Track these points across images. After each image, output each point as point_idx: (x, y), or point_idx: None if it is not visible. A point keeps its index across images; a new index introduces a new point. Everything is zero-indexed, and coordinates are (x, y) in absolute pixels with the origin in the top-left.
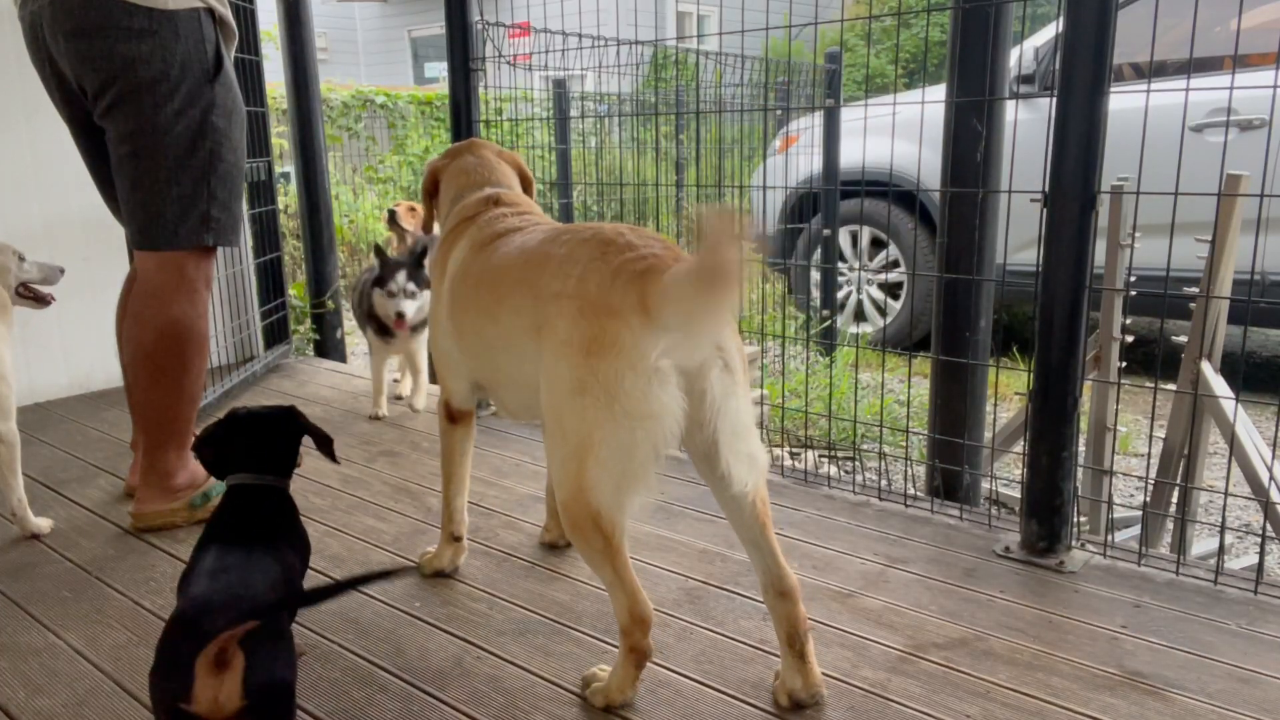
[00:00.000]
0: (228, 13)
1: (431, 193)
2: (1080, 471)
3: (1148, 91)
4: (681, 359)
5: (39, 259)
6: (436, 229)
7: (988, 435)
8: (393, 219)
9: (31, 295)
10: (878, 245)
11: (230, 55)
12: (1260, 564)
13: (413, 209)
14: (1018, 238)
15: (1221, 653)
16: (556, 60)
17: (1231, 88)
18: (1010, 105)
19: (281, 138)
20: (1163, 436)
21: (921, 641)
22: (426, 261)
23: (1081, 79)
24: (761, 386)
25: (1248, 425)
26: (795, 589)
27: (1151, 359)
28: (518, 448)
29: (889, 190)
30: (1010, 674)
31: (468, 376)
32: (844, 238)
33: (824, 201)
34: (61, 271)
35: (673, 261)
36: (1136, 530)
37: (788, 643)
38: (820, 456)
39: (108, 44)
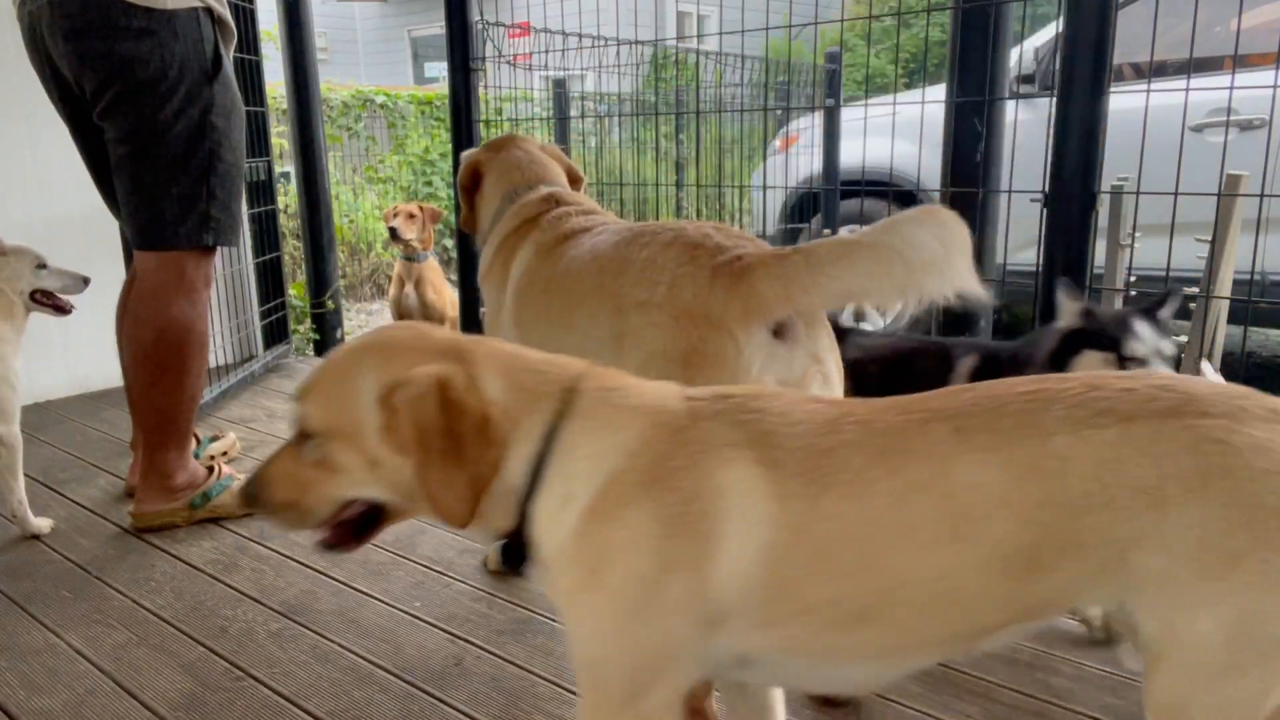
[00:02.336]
0: (226, 12)
1: (470, 188)
2: None
3: (1148, 91)
4: (781, 373)
5: (63, 266)
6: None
7: None
8: (394, 235)
9: (50, 303)
10: None
11: (229, 55)
12: None
13: (411, 215)
14: (1018, 238)
15: None
16: (556, 60)
17: (1231, 88)
18: (1010, 105)
19: (281, 138)
20: None
21: None
22: (481, 268)
23: (1081, 79)
24: None
25: None
26: None
27: None
28: None
29: (889, 190)
30: (1010, 674)
31: None
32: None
33: (824, 201)
34: (85, 281)
35: (767, 258)
36: None
37: None
38: None
39: (106, 44)
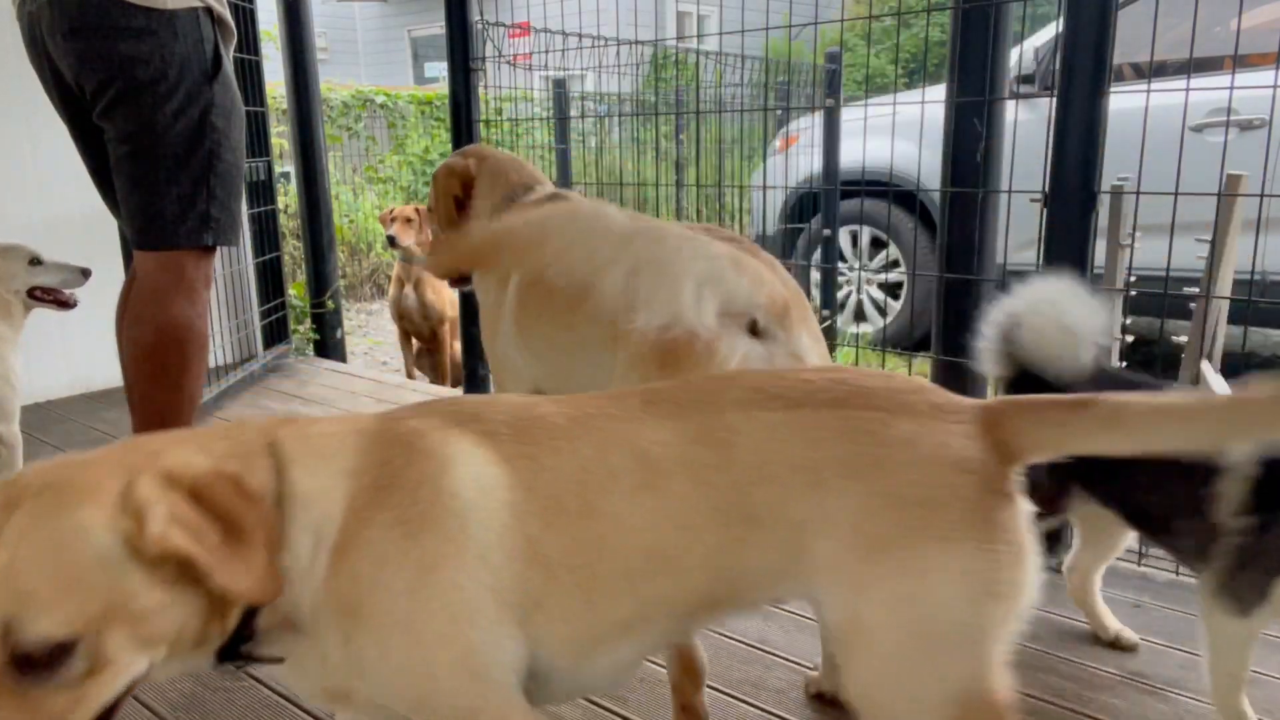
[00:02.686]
0: (226, 12)
1: (459, 197)
2: None
3: (1148, 91)
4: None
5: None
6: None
7: None
8: (393, 243)
9: (50, 298)
10: (878, 245)
11: (229, 55)
12: None
13: (408, 219)
14: (1018, 238)
15: None
16: (556, 60)
17: (1231, 88)
18: (1010, 105)
19: (281, 138)
20: None
21: None
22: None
23: (1081, 79)
24: None
25: None
26: None
27: (1151, 359)
28: None
29: (889, 190)
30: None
31: (531, 384)
32: (844, 238)
33: (824, 201)
34: (85, 274)
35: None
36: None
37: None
38: None
39: (106, 44)
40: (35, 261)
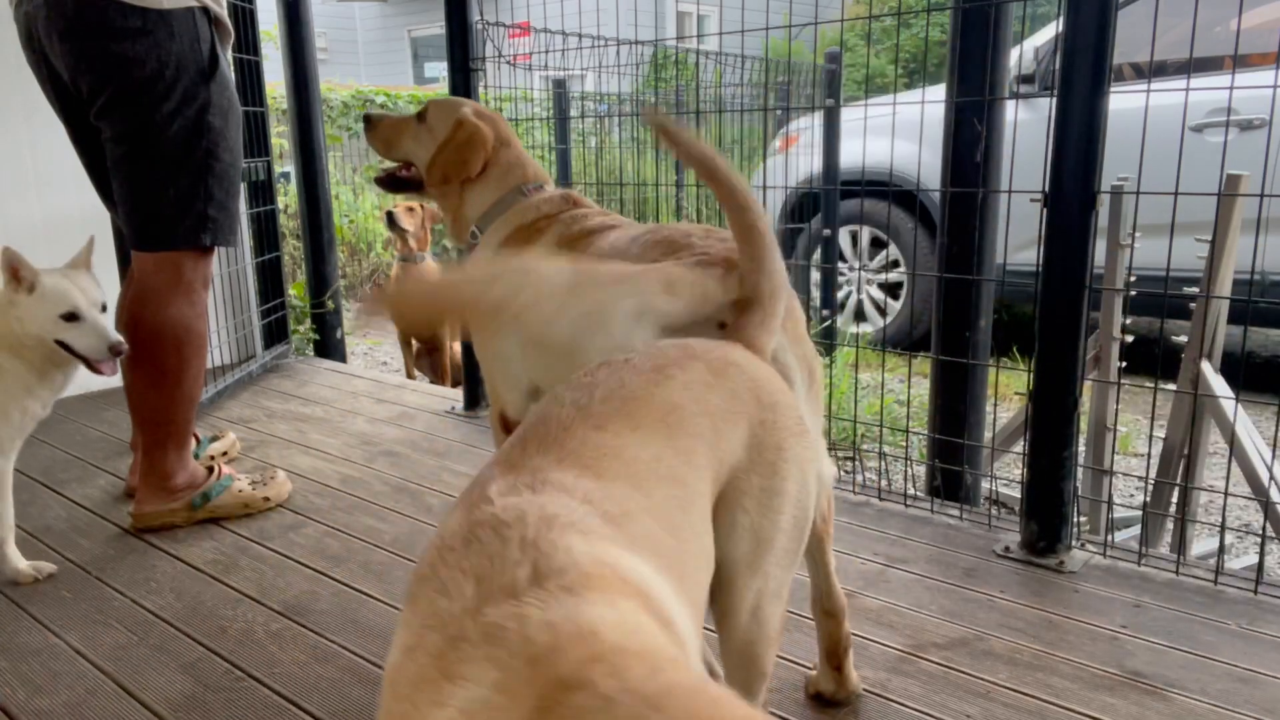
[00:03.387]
0: (223, 12)
1: (466, 175)
2: (1080, 471)
3: (1148, 91)
4: None
5: (108, 320)
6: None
7: (988, 435)
8: (391, 221)
9: (81, 358)
10: (878, 245)
11: (226, 54)
12: (1260, 564)
13: (410, 209)
14: (1018, 238)
15: (1221, 653)
16: (556, 60)
17: (1231, 88)
18: (1010, 105)
19: (281, 138)
20: (1163, 436)
21: (921, 641)
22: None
23: (1081, 79)
24: None
25: (1248, 425)
26: (841, 609)
27: (1151, 359)
28: None
29: (889, 190)
30: (1010, 674)
31: (527, 384)
32: (844, 238)
33: (824, 201)
34: (115, 351)
35: (727, 257)
36: (1136, 530)
37: (826, 657)
38: None
39: (102, 44)
40: (72, 316)
